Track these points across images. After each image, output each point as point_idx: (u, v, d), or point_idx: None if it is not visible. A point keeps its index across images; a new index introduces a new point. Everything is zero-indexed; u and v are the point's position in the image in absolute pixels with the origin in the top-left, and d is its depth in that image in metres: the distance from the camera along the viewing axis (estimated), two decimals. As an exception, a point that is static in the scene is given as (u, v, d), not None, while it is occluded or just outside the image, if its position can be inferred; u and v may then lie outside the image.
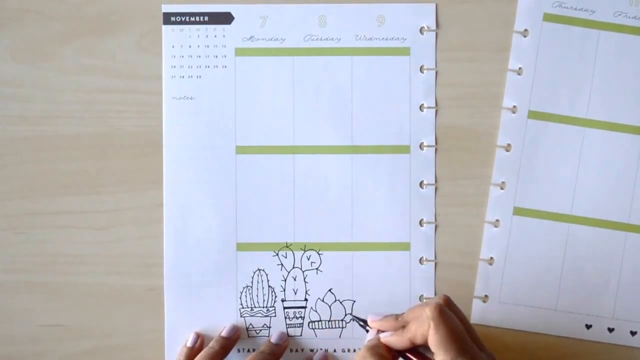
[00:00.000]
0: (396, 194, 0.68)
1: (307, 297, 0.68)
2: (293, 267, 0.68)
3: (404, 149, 0.68)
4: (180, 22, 0.68)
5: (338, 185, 0.68)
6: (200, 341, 0.66)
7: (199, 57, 0.68)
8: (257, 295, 0.68)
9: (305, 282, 0.68)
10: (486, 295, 0.68)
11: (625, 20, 0.67)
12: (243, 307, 0.68)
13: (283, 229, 0.68)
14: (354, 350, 0.67)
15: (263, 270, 0.68)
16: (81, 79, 0.68)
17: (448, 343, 0.54)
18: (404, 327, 0.58)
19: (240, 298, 0.68)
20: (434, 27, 0.68)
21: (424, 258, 0.68)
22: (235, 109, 0.68)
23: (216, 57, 0.68)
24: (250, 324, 0.68)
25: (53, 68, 0.68)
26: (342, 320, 0.68)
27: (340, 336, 0.68)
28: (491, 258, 0.68)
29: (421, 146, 0.68)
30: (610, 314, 0.67)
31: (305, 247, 0.68)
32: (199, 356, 0.63)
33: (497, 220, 0.68)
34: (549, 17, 0.67)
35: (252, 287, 0.68)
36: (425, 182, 0.68)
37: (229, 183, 0.68)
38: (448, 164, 0.68)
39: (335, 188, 0.68)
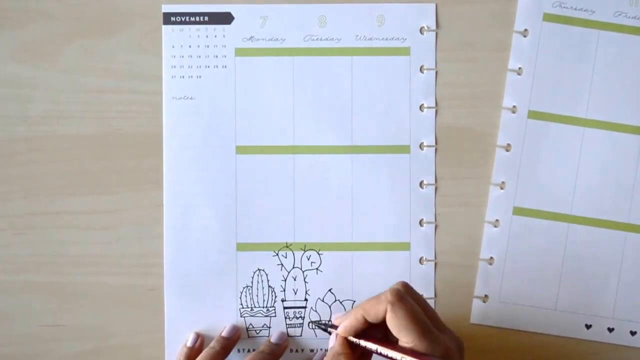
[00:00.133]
0: (396, 194, 0.68)
1: (307, 297, 0.68)
2: (293, 267, 0.68)
3: (404, 149, 0.68)
4: (180, 22, 0.68)
5: (338, 185, 0.68)
6: (200, 341, 0.66)
7: (199, 57, 0.68)
8: (257, 295, 0.68)
9: (305, 282, 0.68)
10: (486, 295, 0.68)
11: (625, 20, 0.67)
12: (243, 307, 0.68)
13: (283, 229, 0.68)
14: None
15: (263, 270, 0.68)
16: (81, 79, 0.68)
17: (409, 326, 0.54)
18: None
19: (240, 298, 0.68)
20: (434, 27, 0.68)
21: (424, 258, 0.68)
22: (235, 109, 0.68)
23: (216, 57, 0.68)
24: (250, 324, 0.68)
25: (53, 68, 0.68)
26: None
27: (340, 336, 0.67)
28: (491, 258, 0.68)
29: (421, 146, 0.68)
30: (610, 314, 0.67)
31: (305, 247, 0.68)
32: (200, 356, 0.63)
33: (497, 220, 0.68)
34: (549, 17, 0.67)
35: (252, 287, 0.68)
36: (425, 182, 0.68)
37: (229, 183, 0.68)
38: (448, 164, 0.68)
39: (335, 188, 0.68)
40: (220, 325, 0.67)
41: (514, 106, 0.68)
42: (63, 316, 0.68)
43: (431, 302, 0.67)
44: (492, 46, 0.68)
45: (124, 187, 0.68)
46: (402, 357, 0.54)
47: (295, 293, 0.68)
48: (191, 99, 0.68)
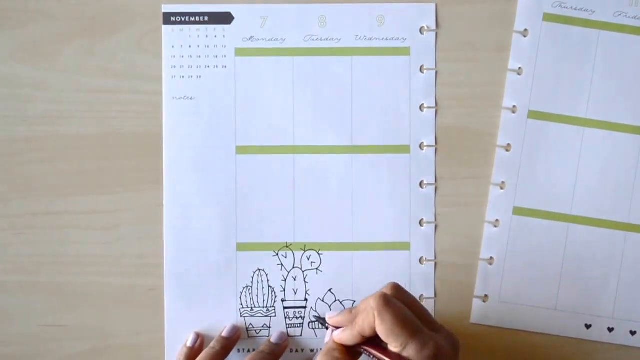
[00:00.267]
0: (396, 194, 0.68)
1: (307, 297, 0.68)
2: (293, 267, 0.68)
3: (404, 149, 0.68)
4: (180, 22, 0.68)
5: (338, 185, 0.68)
6: (200, 341, 0.66)
7: (199, 57, 0.68)
8: (257, 295, 0.68)
9: (305, 282, 0.68)
10: (486, 295, 0.68)
11: (625, 20, 0.67)
12: (243, 307, 0.68)
13: (283, 229, 0.68)
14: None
15: (263, 270, 0.68)
16: (81, 79, 0.68)
17: (395, 330, 0.54)
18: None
19: (240, 298, 0.68)
20: (434, 27, 0.68)
21: (424, 258, 0.68)
22: (235, 109, 0.68)
23: (216, 57, 0.68)
24: (250, 324, 0.68)
25: (53, 68, 0.68)
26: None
27: (340, 336, 0.67)
28: (491, 258, 0.68)
29: (421, 146, 0.68)
30: (610, 314, 0.67)
31: (305, 247, 0.68)
32: (200, 356, 0.63)
33: (497, 220, 0.68)
34: (548, 17, 0.67)
35: (252, 287, 0.68)
36: (425, 182, 0.68)
37: (229, 183, 0.68)
38: (448, 164, 0.68)
39: (335, 188, 0.68)
40: (220, 325, 0.67)
41: (514, 106, 0.68)
42: (63, 316, 0.68)
43: (431, 302, 0.67)
44: (492, 46, 0.68)
45: (124, 187, 0.68)
46: None
47: (295, 293, 0.68)
48: (191, 99, 0.68)
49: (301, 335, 0.68)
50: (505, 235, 0.68)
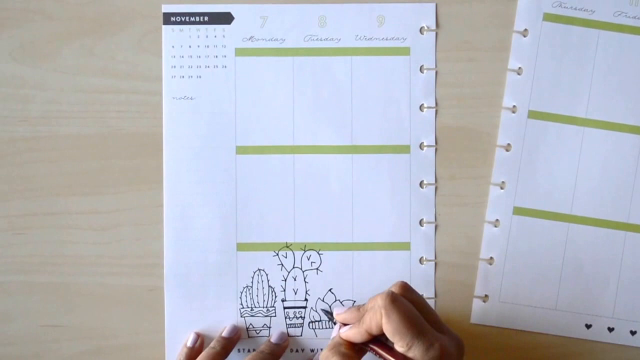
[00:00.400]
0: (396, 194, 0.68)
1: (307, 297, 0.68)
2: (293, 267, 0.68)
3: (404, 149, 0.68)
4: (180, 22, 0.68)
5: (338, 185, 0.68)
6: (200, 341, 0.66)
7: (199, 57, 0.68)
8: (257, 295, 0.68)
9: (305, 282, 0.68)
10: (486, 295, 0.68)
11: (625, 20, 0.67)
12: (243, 307, 0.68)
13: (283, 229, 0.68)
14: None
15: (263, 270, 0.68)
16: (81, 79, 0.68)
17: (401, 330, 0.54)
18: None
19: (241, 298, 0.68)
20: (434, 27, 0.68)
21: (424, 258, 0.68)
22: (235, 109, 0.68)
23: (216, 57, 0.68)
24: (251, 324, 0.68)
25: (53, 68, 0.68)
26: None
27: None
28: (491, 258, 0.68)
29: (421, 146, 0.68)
30: (610, 314, 0.67)
31: (305, 247, 0.68)
32: (200, 356, 0.63)
33: (497, 220, 0.68)
34: (548, 17, 0.67)
35: (252, 287, 0.68)
36: (425, 182, 0.68)
37: (229, 183, 0.68)
38: (448, 164, 0.68)
39: (335, 188, 0.68)
40: (220, 325, 0.67)
41: (514, 106, 0.68)
42: (63, 316, 0.68)
43: (431, 302, 0.67)
44: (492, 46, 0.68)
45: (124, 187, 0.68)
46: None
47: (296, 293, 0.68)
48: (191, 99, 0.68)
49: (301, 335, 0.68)
50: (505, 235, 0.68)
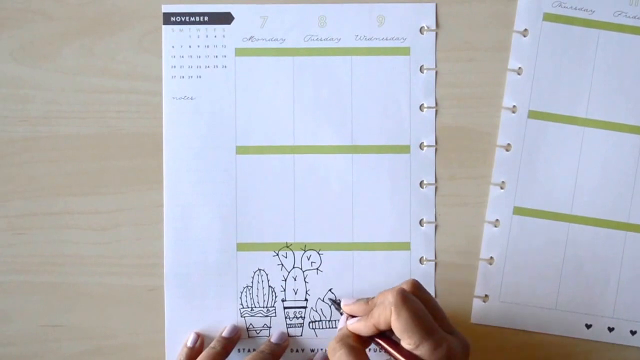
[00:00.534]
0: (396, 194, 0.68)
1: (308, 297, 0.68)
2: (293, 267, 0.68)
3: (404, 149, 0.68)
4: (180, 22, 0.68)
5: (338, 185, 0.68)
6: (200, 341, 0.66)
7: (199, 57, 0.68)
8: (257, 295, 0.68)
9: (305, 282, 0.68)
10: (486, 295, 0.68)
11: (625, 20, 0.67)
12: (243, 307, 0.67)
13: (283, 229, 0.68)
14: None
15: (263, 270, 0.68)
16: (81, 79, 0.68)
17: (411, 328, 0.54)
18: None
19: (241, 298, 0.67)
20: (433, 26, 0.68)
21: (424, 258, 0.68)
22: (235, 109, 0.68)
23: (216, 57, 0.68)
24: (251, 324, 0.68)
25: (53, 68, 0.68)
26: (342, 320, 0.68)
27: (340, 336, 0.67)
28: (491, 258, 0.68)
29: (421, 146, 0.68)
30: (610, 314, 0.67)
31: (305, 247, 0.68)
32: (200, 357, 0.63)
33: (497, 220, 0.68)
34: (548, 17, 0.67)
35: (252, 287, 0.68)
36: (425, 182, 0.68)
37: (229, 183, 0.68)
38: (448, 164, 0.68)
39: (336, 188, 0.68)
40: (220, 325, 0.67)
41: (514, 106, 0.68)
42: (63, 316, 0.68)
43: (431, 302, 0.67)
44: (492, 46, 0.68)
45: (124, 187, 0.68)
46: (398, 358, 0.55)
47: (296, 293, 0.68)
48: (191, 99, 0.68)
49: (301, 335, 0.68)
50: (505, 235, 0.68)
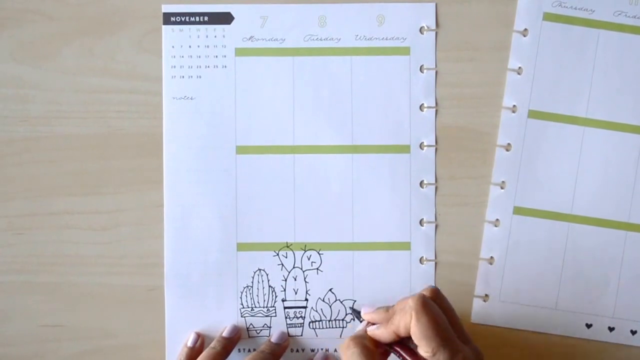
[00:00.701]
0: (396, 194, 0.68)
1: (308, 297, 0.68)
2: (293, 267, 0.68)
3: (404, 149, 0.68)
4: (180, 22, 0.68)
5: (338, 185, 0.68)
6: (200, 341, 0.66)
7: (199, 57, 0.68)
8: (257, 295, 0.67)
9: (305, 282, 0.68)
10: (486, 295, 0.68)
11: (625, 20, 0.67)
12: (243, 307, 0.67)
13: (283, 229, 0.68)
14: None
15: (263, 270, 0.68)
16: (81, 79, 0.68)
17: (429, 334, 0.54)
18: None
19: (241, 298, 0.67)
20: (433, 26, 0.68)
21: (424, 257, 0.68)
22: (235, 109, 0.68)
23: (216, 57, 0.68)
24: (251, 324, 0.68)
25: (53, 68, 0.68)
26: (342, 319, 0.68)
27: (341, 336, 0.67)
28: (491, 257, 0.68)
29: (421, 146, 0.68)
30: (610, 313, 0.67)
31: (305, 247, 0.68)
32: (200, 357, 0.63)
33: (497, 220, 0.68)
34: (548, 17, 0.67)
35: (252, 287, 0.67)
36: (425, 182, 0.68)
37: (229, 183, 0.68)
38: (448, 164, 0.68)
39: (336, 188, 0.68)
40: (220, 325, 0.67)
41: (514, 106, 0.68)
42: (63, 316, 0.68)
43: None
44: (492, 46, 0.68)
45: (124, 187, 0.68)
46: None
47: (296, 293, 0.68)
48: (191, 99, 0.68)
49: (302, 335, 0.68)
50: (505, 235, 0.68)
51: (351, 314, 0.67)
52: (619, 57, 0.67)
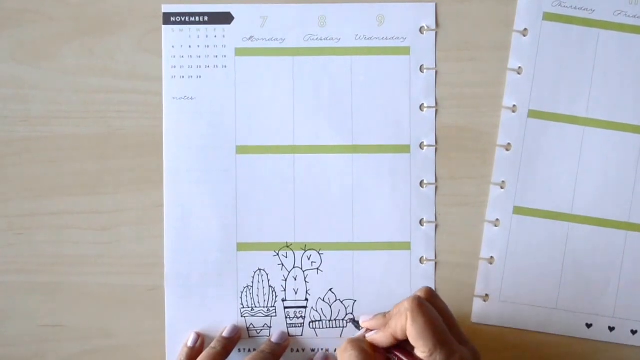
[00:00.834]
0: (396, 194, 0.68)
1: (308, 297, 0.68)
2: (294, 267, 0.68)
3: (404, 149, 0.68)
4: (180, 22, 0.68)
5: (338, 184, 0.68)
6: (200, 341, 0.66)
7: (199, 57, 0.68)
8: (257, 295, 0.67)
9: (305, 281, 0.68)
10: (487, 295, 0.68)
11: (625, 19, 0.67)
12: (244, 307, 0.67)
13: (283, 229, 0.68)
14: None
15: (264, 270, 0.68)
16: (81, 79, 0.68)
17: (426, 335, 0.54)
18: None
19: (241, 298, 0.67)
20: (433, 26, 0.68)
21: (425, 257, 0.68)
22: (235, 109, 0.68)
23: (216, 57, 0.68)
24: (251, 324, 0.67)
25: (53, 68, 0.68)
26: (343, 320, 0.68)
27: (341, 336, 0.67)
28: (491, 257, 0.67)
29: (421, 146, 0.68)
30: (610, 313, 0.67)
31: (305, 247, 0.68)
32: (200, 357, 0.63)
33: (497, 220, 0.68)
34: (548, 17, 0.67)
35: (252, 287, 0.67)
36: (425, 182, 0.68)
37: (229, 183, 0.68)
38: (448, 164, 0.68)
39: (336, 188, 0.68)
40: (221, 325, 0.67)
41: (514, 105, 0.68)
42: (63, 316, 0.68)
43: (432, 302, 0.67)
44: (492, 45, 0.68)
45: (124, 187, 0.68)
46: None
47: (296, 293, 0.68)
48: (191, 99, 0.68)
49: (302, 335, 0.68)
50: (505, 235, 0.68)
51: (351, 322, 0.67)
52: (619, 57, 0.67)
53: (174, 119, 0.68)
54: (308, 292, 0.68)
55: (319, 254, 0.68)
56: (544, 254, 0.67)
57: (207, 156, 0.68)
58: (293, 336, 0.68)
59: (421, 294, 0.58)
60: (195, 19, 0.68)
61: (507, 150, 0.68)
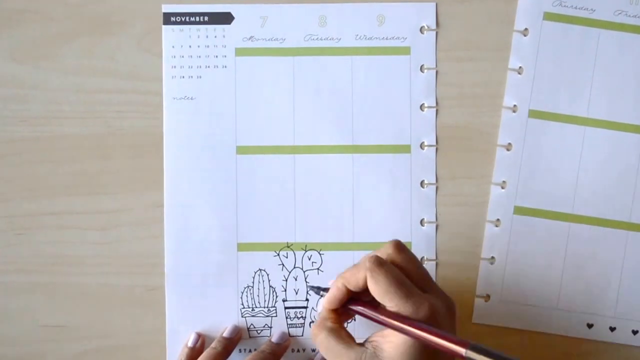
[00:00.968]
0: (397, 194, 0.68)
1: (309, 297, 0.68)
2: (294, 267, 0.68)
3: (405, 149, 0.68)
4: (180, 22, 0.68)
5: (339, 185, 0.68)
6: (201, 341, 0.66)
7: (199, 57, 0.68)
8: (258, 296, 0.67)
9: (306, 282, 0.68)
10: (487, 295, 0.67)
11: (626, 19, 0.67)
12: (244, 307, 0.67)
13: (284, 229, 0.68)
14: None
15: (264, 270, 0.68)
16: (81, 79, 0.68)
17: (389, 291, 0.54)
18: None
19: (242, 298, 0.67)
20: (434, 26, 0.68)
21: (425, 257, 0.68)
22: (235, 109, 0.68)
23: (216, 57, 0.68)
24: (252, 324, 0.67)
25: (53, 68, 0.68)
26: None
27: (341, 336, 0.67)
28: (492, 257, 0.67)
29: (422, 146, 0.68)
30: (611, 313, 0.67)
31: (306, 247, 0.68)
32: (201, 357, 0.63)
33: (498, 220, 0.68)
34: (549, 16, 0.67)
35: (253, 287, 0.67)
36: (426, 182, 0.68)
37: (229, 183, 0.68)
38: (449, 164, 0.68)
39: (336, 188, 0.68)
40: (221, 325, 0.67)
41: (515, 105, 0.68)
42: (63, 316, 0.67)
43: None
44: (492, 45, 0.68)
45: (124, 187, 0.68)
46: (384, 319, 0.55)
47: (297, 293, 0.68)
48: (191, 99, 0.68)
49: (302, 335, 0.68)
50: (506, 235, 0.67)
51: (312, 291, 0.66)
52: (620, 56, 0.67)
53: (174, 119, 0.68)
54: (308, 292, 0.67)
55: (320, 254, 0.68)
56: (545, 254, 0.67)
57: (207, 156, 0.68)
58: (293, 336, 0.67)
59: (388, 248, 0.57)
60: (195, 19, 0.68)
61: (508, 150, 0.68)
